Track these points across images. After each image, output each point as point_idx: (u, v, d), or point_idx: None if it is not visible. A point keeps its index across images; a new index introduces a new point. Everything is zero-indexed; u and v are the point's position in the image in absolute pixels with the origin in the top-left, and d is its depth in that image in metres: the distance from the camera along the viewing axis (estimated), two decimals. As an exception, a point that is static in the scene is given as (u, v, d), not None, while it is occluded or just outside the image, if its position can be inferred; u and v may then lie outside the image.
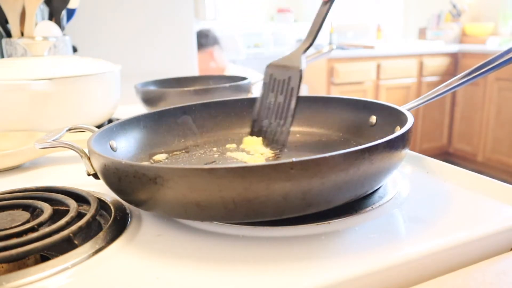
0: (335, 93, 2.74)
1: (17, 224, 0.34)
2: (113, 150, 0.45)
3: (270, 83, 0.53)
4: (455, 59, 3.01)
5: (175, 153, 0.51)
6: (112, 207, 0.38)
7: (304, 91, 3.03)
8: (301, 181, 0.30)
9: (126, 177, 0.33)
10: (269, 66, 0.54)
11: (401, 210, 0.38)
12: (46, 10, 0.95)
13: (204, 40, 2.02)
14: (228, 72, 2.01)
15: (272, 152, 0.49)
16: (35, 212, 0.37)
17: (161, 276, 0.29)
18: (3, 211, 0.37)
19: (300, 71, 0.50)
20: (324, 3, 0.51)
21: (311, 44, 0.51)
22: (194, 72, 1.28)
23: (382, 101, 0.50)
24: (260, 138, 0.52)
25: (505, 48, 0.42)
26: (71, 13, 0.99)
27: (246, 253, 0.32)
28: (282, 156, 0.48)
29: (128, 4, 1.16)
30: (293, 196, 0.30)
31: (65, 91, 0.66)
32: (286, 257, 0.31)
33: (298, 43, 3.40)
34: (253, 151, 0.49)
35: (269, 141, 0.50)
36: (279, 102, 0.51)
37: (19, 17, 0.84)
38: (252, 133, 0.53)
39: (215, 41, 2.06)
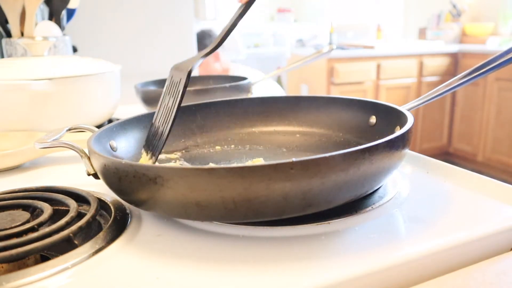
0: (335, 93, 2.74)
1: (17, 224, 0.34)
2: (113, 150, 0.45)
3: (170, 86, 0.49)
4: (455, 59, 3.01)
5: (175, 153, 0.51)
6: (112, 207, 0.38)
7: (304, 91, 3.03)
8: (301, 181, 0.30)
9: (126, 177, 0.33)
10: (173, 68, 0.50)
11: (401, 210, 0.38)
12: (46, 10, 0.95)
13: (208, 41, 1.99)
14: (232, 73, 1.99)
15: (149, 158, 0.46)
16: (35, 212, 0.37)
17: (161, 276, 0.29)
18: (3, 211, 0.37)
19: (188, 72, 0.46)
20: (242, 5, 0.46)
21: (216, 47, 0.47)
22: (194, 72, 1.28)
23: (382, 101, 0.50)
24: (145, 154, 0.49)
25: (505, 48, 0.42)
26: (71, 13, 0.99)
27: (246, 253, 0.32)
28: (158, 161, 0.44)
29: (128, 4, 1.16)
30: (293, 196, 0.30)
31: (65, 91, 0.66)
32: (286, 257, 0.31)
33: (298, 43, 3.41)
34: None
35: (150, 147, 0.47)
36: (169, 105, 0.46)
37: (19, 17, 0.84)
38: (147, 140, 0.49)
39: None
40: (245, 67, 2.14)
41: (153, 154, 0.45)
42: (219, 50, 2.01)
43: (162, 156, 0.50)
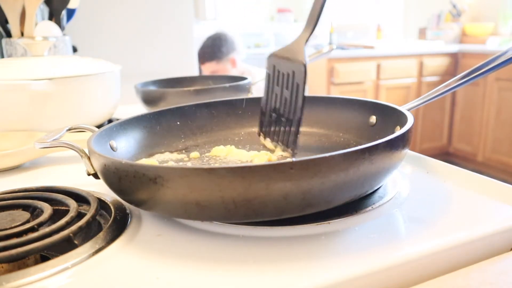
0: (335, 93, 2.74)
1: (17, 224, 0.34)
2: (113, 150, 0.45)
3: (274, 75, 0.49)
4: (455, 59, 3.01)
5: (177, 152, 0.51)
6: (112, 207, 0.38)
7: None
8: (301, 181, 0.30)
9: (126, 177, 0.33)
10: (271, 56, 0.50)
11: (401, 210, 0.38)
12: (46, 10, 0.95)
13: (225, 48, 1.91)
14: (248, 75, 1.92)
15: (282, 155, 0.47)
16: (35, 212, 0.37)
17: (161, 276, 0.29)
18: (3, 211, 0.37)
19: (304, 65, 0.45)
20: None
21: (311, 33, 0.47)
22: (194, 72, 1.28)
23: (382, 101, 0.50)
24: (233, 147, 0.50)
25: (505, 48, 0.42)
26: (71, 13, 0.99)
27: (246, 253, 0.32)
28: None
29: (128, 4, 1.16)
30: (293, 196, 0.30)
31: (65, 91, 0.66)
32: (286, 257, 0.31)
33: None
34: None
35: (277, 142, 0.48)
36: (286, 97, 0.47)
37: (19, 17, 0.84)
38: (260, 132, 0.51)
39: (233, 46, 1.96)
40: (260, 69, 2.06)
41: (291, 150, 0.46)
42: (235, 56, 1.95)
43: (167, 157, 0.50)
